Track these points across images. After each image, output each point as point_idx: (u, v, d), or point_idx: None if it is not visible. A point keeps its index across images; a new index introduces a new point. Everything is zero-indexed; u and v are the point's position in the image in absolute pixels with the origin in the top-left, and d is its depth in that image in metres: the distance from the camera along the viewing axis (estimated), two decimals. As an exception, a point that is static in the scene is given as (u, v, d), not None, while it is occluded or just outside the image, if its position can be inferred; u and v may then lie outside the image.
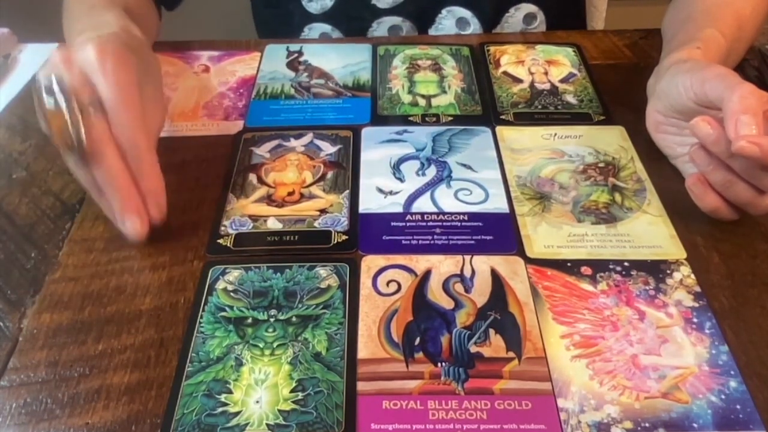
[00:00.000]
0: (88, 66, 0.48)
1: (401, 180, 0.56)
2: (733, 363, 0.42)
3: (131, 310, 0.46)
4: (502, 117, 0.64)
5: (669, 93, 0.54)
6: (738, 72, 0.50)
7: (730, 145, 0.45)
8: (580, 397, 0.40)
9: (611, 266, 0.49)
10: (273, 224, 0.52)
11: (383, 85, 0.68)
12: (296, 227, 0.52)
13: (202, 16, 1.18)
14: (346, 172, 0.57)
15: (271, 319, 0.45)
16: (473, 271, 0.48)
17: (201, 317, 0.45)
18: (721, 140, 0.47)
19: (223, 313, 0.46)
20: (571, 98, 0.66)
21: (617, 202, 0.54)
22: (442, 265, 0.49)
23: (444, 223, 0.52)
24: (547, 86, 0.67)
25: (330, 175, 0.57)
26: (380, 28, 0.80)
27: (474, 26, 0.80)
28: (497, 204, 0.54)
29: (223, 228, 0.52)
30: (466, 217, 0.53)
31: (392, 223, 0.52)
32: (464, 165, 0.58)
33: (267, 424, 0.39)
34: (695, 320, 0.45)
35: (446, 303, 0.46)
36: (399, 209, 0.54)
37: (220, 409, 0.40)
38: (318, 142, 0.61)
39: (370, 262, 0.49)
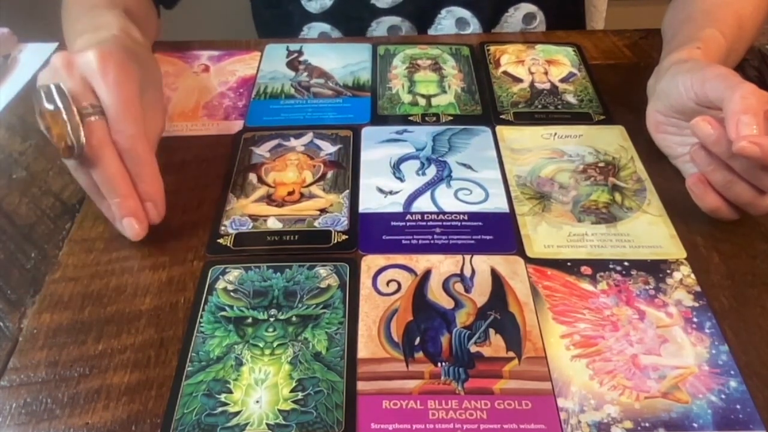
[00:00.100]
0: (89, 72, 0.48)
1: (401, 180, 0.56)
2: (733, 363, 0.42)
3: (131, 310, 0.46)
4: (502, 117, 0.64)
5: (669, 93, 0.54)
6: (738, 72, 0.50)
7: (730, 146, 0.45)
8: (580, 396, 0.40)
9: (611, 266, 0.49)
10: (273, 224, 0.52)
11: (383, 85, 0.68)
12: (296, 227, 0.52)
13: (202, 16, 1.18)
14: (346, 171, 0.57)
15: (271, 319, 0.45)
16: (473, 271, 0.48)
17: (201, 317, 0.45)
18: (722, 140, 0.47)
19: (223, 313, 0.46)
20: (571, 98, 0.66)
21: (617, 201, 0.54)
22: (442, 265, 0.49)
23: (444, 223, 0.52)
24: (547, 86, 0.67)
25: (330, 174, 0.57)
26: (379, 28, 0.80)
27: (473, 26, 0.80)
28: (497, 204, 0.54)
29: (223, 228, 0.52)
30: (466, 217, 0.53)
31: (392, 223, 0.52)
32: (464, 165, 0.58)
33: (267, 424, 0.39)
34: (695, 320, 0.45)
35: (446, 303, 0.46)
36: (399, 209, 0.54)
37: (220, 409, 0.40)
38: (318, 141, 0.61)
39: (370, 262, 0.49)
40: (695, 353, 0.43)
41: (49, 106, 0.46)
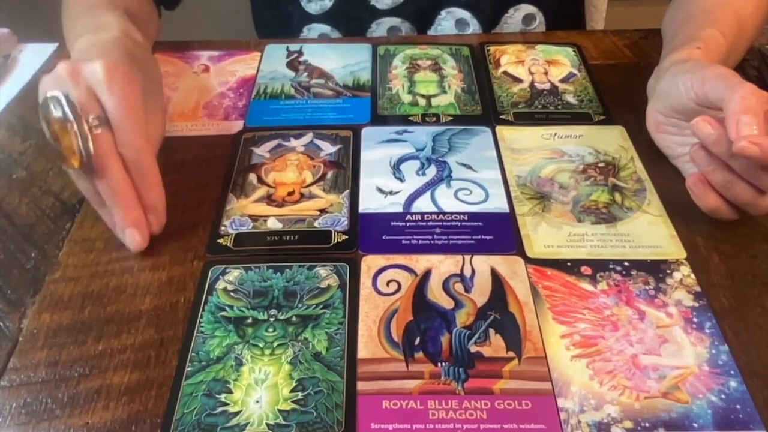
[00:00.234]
0: (95, 83, 0.48)
1: (401, 180, 0.56)
2: (733, 363, 0.42)
3: (131, 310, 0.46)
4: (502, 117, 0.64)
5: (669, 93, 0.54)
6: (738, 72, 0.50)
7: (730, 146, 0.45)
8: (580, 396, 0.40)
9: (611, 266, 0.49)
10: (273, 224, 0.52)
11: (383, 85, 0.68)
12: (296, 227, 0.52)
13: (202, 16, 1.18)
14: (346, 171, 0.57)
15: (271, 319, 0.45)
16: (473, 271, 0.48)
17: (201, 317, 0.45)
18: (722, 140, 0.47)
19: (223, 313, 0.46)
20: (571, 98, 0.66)
21: (617, 201, 0.54)
22: (442, 265, 0.49)
23: (444, 223, 0.52)
24: (547, 86, 0.68)
25: (330, 174, 0.57)
26: (379, 29, 0.80)
27: (473, 27, 0.80)
28: (497, 204, 0.54)
29: (223, 228, 0.52)
30: (466, 217, 0.53)
31: (392, 223, 0.52)
32: (464, 165, 0.58)
33: (267, 424, 0.39)
34: (695, 320, 0.45)
35: (446, 303, 0.46)
36: (399, 209, 0.54)
37: (220, 409, 0.40)
38: (318, 141, 0.61)
39: (370, 262, 0.49)
40: (695, 353, 0.43)
41: (58, 116, 0.46)
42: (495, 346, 0.43)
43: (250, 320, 0.45)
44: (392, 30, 0.80)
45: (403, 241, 0.51)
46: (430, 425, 0.39)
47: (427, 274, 0.48)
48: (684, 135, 0.55)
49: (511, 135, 0.61)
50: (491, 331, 0.44)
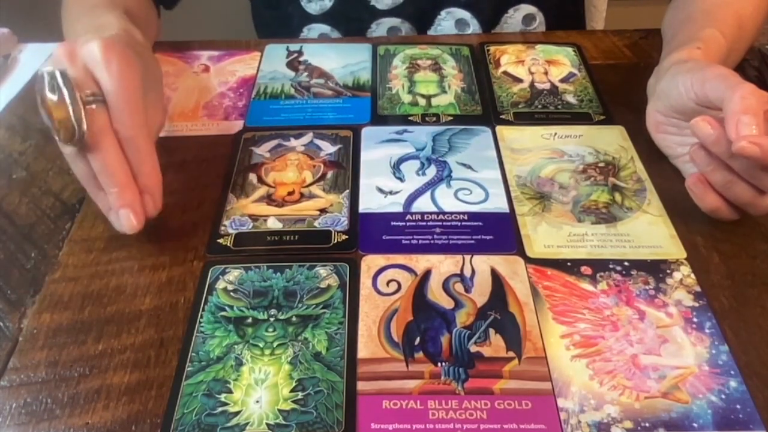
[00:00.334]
0: (92, 61, 0.48)
1: (401, 180, 0.56)
2: (733, 363, 0.42)
3: (131, 310, 0.46)
4: (502, 117, 0.64)
5: (669, 93, 0.54)
6: (738, 72, 0.50)
7: (730, 146, 0.45)
8: (580, 396, 0.40)
9: (611, 266, 0.49)
10: (273, 224, 0.52)
11: (383, 85, 0.68)
12: (296, 227, 0.52)
13: (202, 16, 1.18)
14: (346, 171, 0.57)
15: (271, 319, 0.45)
16: (473, 271, 0.48)
17: (201, 317, 0.45)
18: (722, 140, 0.47)
19: (223, 313, 0.46)
20: (571, 98, 0.66)
21: (617, 201, 0.54)
22: (442, 265, 0.49)
23: (444, 223, 0.52)
24: (547, 86, 0.68)
25: (330, 174, 0.57)
26: (379, 29, 0.80)
27: (473, 27, 0.80)
28: (497, 204, 0.54)
29: (223, 228, 0.52)
30: (466, 217, 0.53)
31: (392, 223, 0.52)
32: (464, 165, 0.58)
33: (267, 424, 0.39)
34: (695, 320, 0.45)
35: (446, 303, 0.46)
36: (399, 209, 0.54)
37: (220, 409, 0.40)
38: (318, 141, 0.61)
39: (370, 262, 0.49)
40: (695, 353, 0.43)
41: (52, 94, 0.45)
42: (495, 346, 0.43)
43: (250, 320, 0.45)
44: (392, 30, 0.80)
45: (403, 241, 0.51)
46: (430, 425, 0.39)
47: (427, 274, 0.48)
48: (684, 135, 0.55)
49: (511, 135, 0.61)
50: (491, 331, 0.44)
